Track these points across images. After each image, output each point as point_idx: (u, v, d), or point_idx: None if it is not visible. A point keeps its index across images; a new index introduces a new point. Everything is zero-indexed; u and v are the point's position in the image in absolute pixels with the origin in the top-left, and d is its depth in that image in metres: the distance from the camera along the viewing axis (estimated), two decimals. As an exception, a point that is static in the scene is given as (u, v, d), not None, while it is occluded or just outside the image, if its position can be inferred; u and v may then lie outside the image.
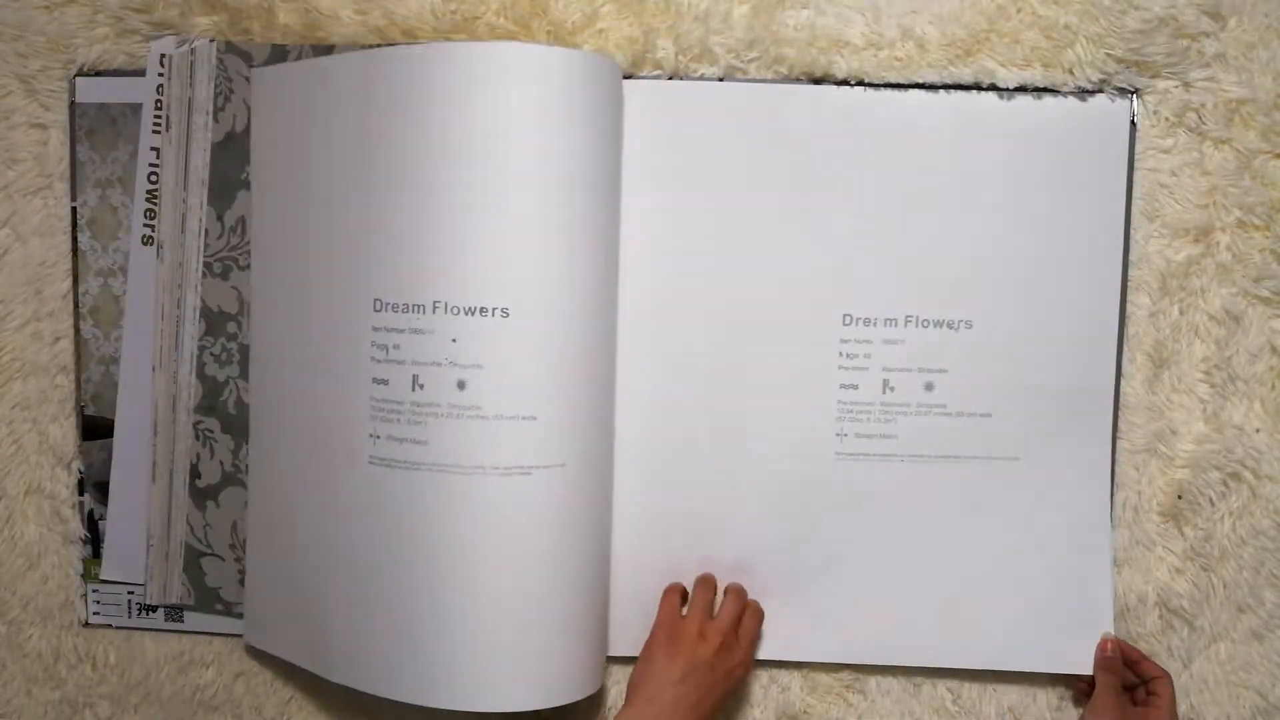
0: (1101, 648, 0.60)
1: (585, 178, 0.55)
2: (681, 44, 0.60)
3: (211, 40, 0.61)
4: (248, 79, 0.61)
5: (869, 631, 0.61)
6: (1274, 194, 0.60)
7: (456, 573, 0.54)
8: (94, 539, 0.64)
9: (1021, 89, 0.60)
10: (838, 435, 0.60)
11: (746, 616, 0.59)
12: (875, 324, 0.60)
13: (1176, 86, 0.60)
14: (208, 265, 0.62)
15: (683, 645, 0.55)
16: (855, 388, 0.60)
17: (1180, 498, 0.62)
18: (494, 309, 0.53)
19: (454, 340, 0.53)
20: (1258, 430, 0.61)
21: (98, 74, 0.62)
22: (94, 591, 0.64)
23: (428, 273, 0.54)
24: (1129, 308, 0.61)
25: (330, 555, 0.57)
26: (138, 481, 0.63)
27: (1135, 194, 0.61)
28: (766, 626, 0.61)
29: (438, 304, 0.54)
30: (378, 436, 0.55)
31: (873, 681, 0.63)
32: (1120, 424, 0.62)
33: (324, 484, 0.57)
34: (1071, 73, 0.59)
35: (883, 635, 0.61)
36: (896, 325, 0.60)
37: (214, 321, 0.62)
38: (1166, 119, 0.60)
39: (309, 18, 0.60)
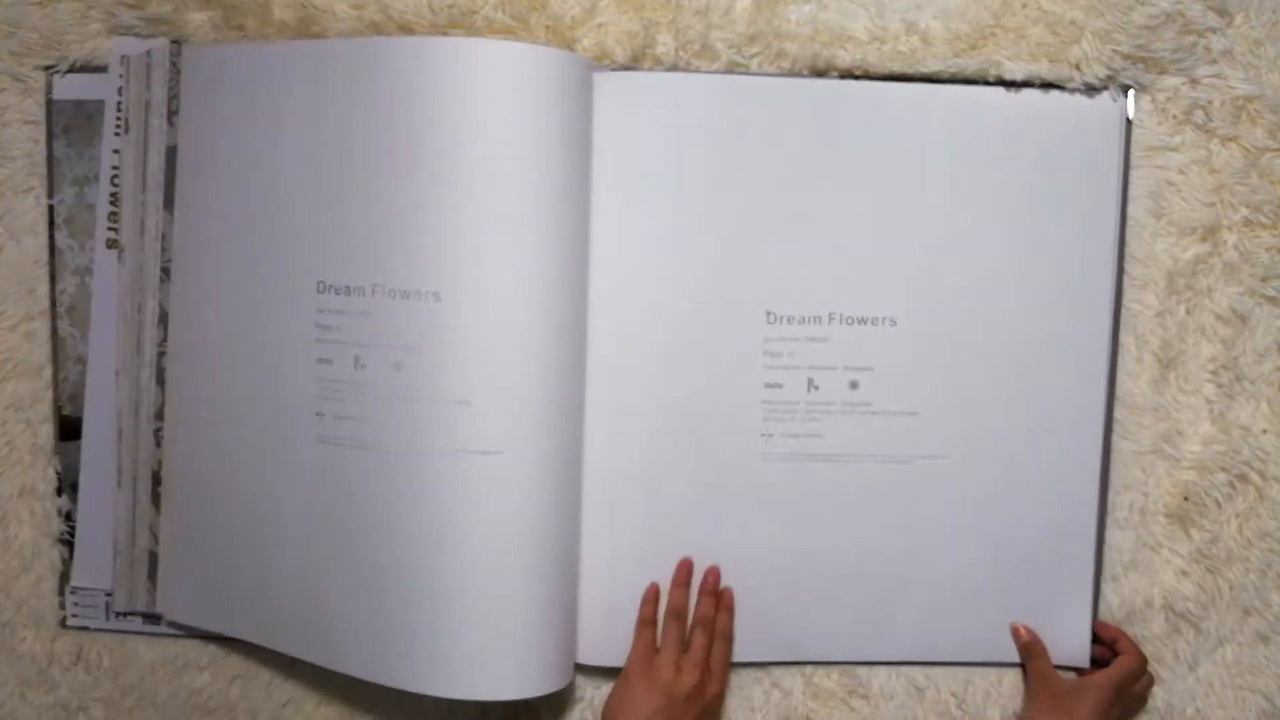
0: (1015, 634, 0.61)
1: (538, 169, 0.55)
2: (682, 39, 0.59)
3: (174, 41, 0.60)
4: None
5: (786, 632, 0.61)
6: (1281, 192, 0.60)
7: (394, 551, 0.56)
8: (73, 540, 0.63)
9: (1027, 84, 0.59)
10: (763, 435, 0.60)
11: (716, 644, 0.59)
12: (801, 321, 0.59)
13: (1184, 83, 0.60)
14: (165, 270, 0.61)
15: (659, 681, 0.57)
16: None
17: (1186, 499, 0.61)
18: (426, 292, 0.54)
19: (390, 323, 0.55)
20: (1264, 431, 0.61)
21: (74, 70, 0.61)
22: (72, 593, 0.64)
23: (366, 256, 0.55)
24: (1136, 307, 0.61)
25: (279, 531, 0.59)
26: (106, 486, 0.63)
27: (1142, 192, 0.60)
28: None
29: (376, 287, 0.55)
30: (323, 415, 0.56)
31: (875, 685, 0.62)
32: (1127, 425, 0.61)
33: (269, 462, 0.58)
34: (1078, 68, 0.59)
35: (817, 633, 0.61)
36: (821, 323, 0.59)
37: (171, 327, 0.61)
38: (1174, 116, 0.60)
39: (304, 12, 0.59)
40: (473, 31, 0.59)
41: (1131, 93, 0.60)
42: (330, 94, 0.56)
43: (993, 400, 0.60)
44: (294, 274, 0.57)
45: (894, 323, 0.60)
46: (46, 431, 0.63)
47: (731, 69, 0.59)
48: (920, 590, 0.61)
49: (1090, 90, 0.59)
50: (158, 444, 0.61)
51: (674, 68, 0.59)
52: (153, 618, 0.63)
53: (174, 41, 0.60)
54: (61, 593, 0.64)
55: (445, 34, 0.59)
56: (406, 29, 0.59)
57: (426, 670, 0.56)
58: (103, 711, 0.64)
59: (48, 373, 0.63)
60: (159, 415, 0.61)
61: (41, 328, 0.63)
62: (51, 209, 0.62)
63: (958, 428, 0.60)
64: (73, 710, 0.64)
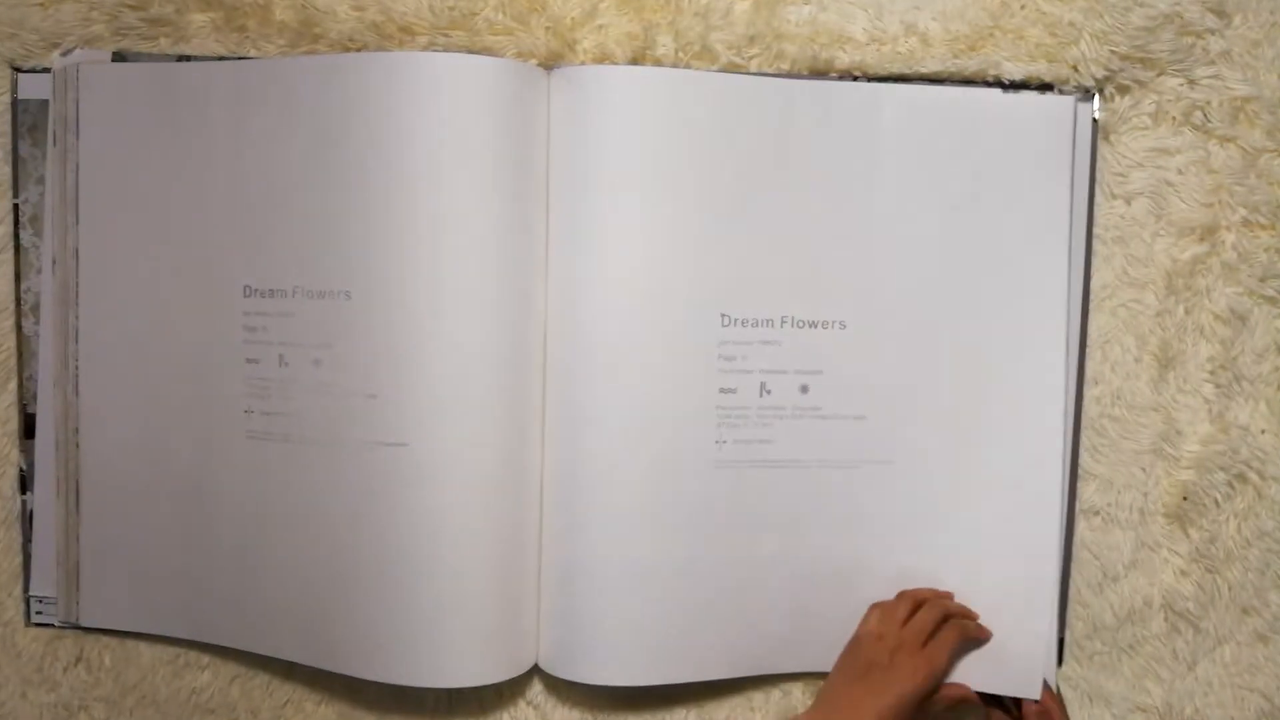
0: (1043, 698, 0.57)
1: (446, 174, 0.56)
2: (682, 40, 0.59)
3: (118, 55, 0.61)
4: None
5: (744, 644, 0.60)
6: (1279, 192, 0.60)
7: (317, 539, 0.59)
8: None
9: (1024, 85, 0.59)
10: (717, 443, 0.58)
11: (946, 629, 0.56)
12: (755, 324, 0.58)
13: (1182, 84, 0.60)
14: (79, 284, 0.61)
15: (863, 647, 0.56)
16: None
17: (1185, 499, 0.61)
18: (338, 292, 0.57)
19: (309, 322, 0.58)
20: (1263, 431, 0.61)
21: (39, 70, 0.62)
22: (37, 601, 0.64)
23: (288, 261, 0.58)
24: (1135, 307, 0.61)
25: (212, 528, 0.61)
26: (49, 494, 0.63)
27: (1141, 192, 0.60)
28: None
29: (296, 289, 0.58)
30: (252, 411, 0.59)
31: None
32: (1127, 424, 0.61)
33: (200, 460, 0.60)
34: (1076, 69, 0.59)
35: (774, 644, 0.60)
36: (774, 325, 0.58)
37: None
38: (1173, 117, 0.60)
39: (305, 14, 0.60)
40: (474, 33, 0.59)
41: (1097, 96, 0.59)
42: (252, 112, 0.58)
43: (942, 404, 0.59)
44: (223, 281, 0.59)
45: (843, 325, 0.59)
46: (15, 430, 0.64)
47: (730, 71, 0.59)
48: (871, 598, 0.59)
49: (1043, 89, 0.59)
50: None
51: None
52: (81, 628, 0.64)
53: (118, 55, 0.61)
54: (26, 594, 0.64)
55: (446, 35, 0.59)
56: (408, 31, 0.59)
57: (353, 654, 0.59)
58: (104, 711, 0.64)
59: (14, 373, 0.63)
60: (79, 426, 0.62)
61: (10, 326, 0.63)
62: (16, 208, 0.63)
63: (906, 432, 0.59)
64: (74, 709, 0.64)
